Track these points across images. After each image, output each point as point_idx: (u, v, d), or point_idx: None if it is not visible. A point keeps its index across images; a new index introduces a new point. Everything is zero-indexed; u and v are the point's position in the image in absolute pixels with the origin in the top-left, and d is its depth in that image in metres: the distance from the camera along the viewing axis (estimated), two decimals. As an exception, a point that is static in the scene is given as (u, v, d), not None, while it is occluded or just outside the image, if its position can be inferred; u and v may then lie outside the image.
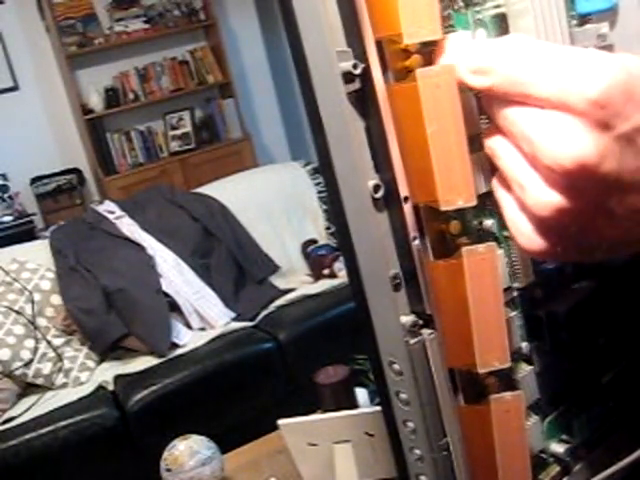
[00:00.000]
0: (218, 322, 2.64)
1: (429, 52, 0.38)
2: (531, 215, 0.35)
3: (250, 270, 2.89)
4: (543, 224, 0.34)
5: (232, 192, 3.14)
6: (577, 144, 0.32)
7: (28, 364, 2.37)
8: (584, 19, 0.45)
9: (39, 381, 2.40)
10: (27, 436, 2.15)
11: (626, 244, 0.35)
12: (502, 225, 0.47)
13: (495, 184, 0.38)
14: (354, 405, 1.15)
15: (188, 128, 4.69)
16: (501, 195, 0.38)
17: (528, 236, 0.36)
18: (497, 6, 0.42)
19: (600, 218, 0.33)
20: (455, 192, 0.37)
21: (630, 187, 0.32)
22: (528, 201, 0.34)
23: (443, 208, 0.37)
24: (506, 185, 0.37)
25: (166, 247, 2.80)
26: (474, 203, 0.37)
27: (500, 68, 0.34)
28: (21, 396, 2.40)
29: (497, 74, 0.34)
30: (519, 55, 0.33)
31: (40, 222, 4.31)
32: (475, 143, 0.39)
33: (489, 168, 0.42)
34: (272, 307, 2.71)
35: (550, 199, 0.33)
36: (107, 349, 2.54)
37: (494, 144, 0.36)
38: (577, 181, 0.32)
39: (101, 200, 3.95)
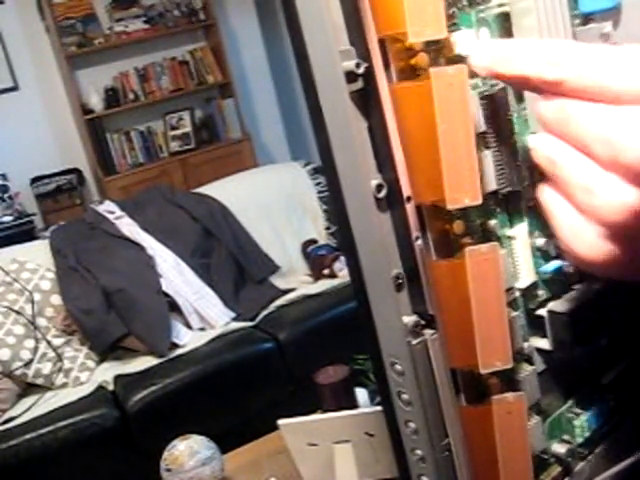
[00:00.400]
0: (218, 322, 2.64)
1: (433, 50, 0.38)
2: (598, 220, 0.32)
3: (250, 270, 2.89)
4: (612, 229, 0.32)
5: (232, 192, 3.14)
6: None
7: (28, 364, 2.37)
8: (587, 18, 0.45)
9: (39, 381, 2.40)
10: (27, 436, 2.15)
11: None
12: (504, 225, 0.47)
13: (547, 194, 0.36)
14: (354, 405, 1.15)
15: (188, 128, 4.69)
16: (556, 205, 0.36)
17: (590, 244, 0.33)
18: (501, 5, 0.42)
19: None
20: (462, 191, 0.36)
21: None
22: (597, 203, 0.32)
23: (450, 207, 0.37)
24: (565, 193, 0.34)
25: (166, 247, 2.80)
26: (480, 202, 0.37)
27: (576, 60, 0.32)
28: (21, 396, 2.40)
29: (572, 66, 0.32)
30: (594, 49, 0.32)
31: (40, 222, 4.31)
32: (478, 143, 0.39)
33: (492, 168, 0.42)
34: (272, 307, 2.71)
35: (626, 199, 0.31)
36: (107, 349, 2.54)
37: (552, 151, 0.34)
38: None
39: (101, 200, 3.94)
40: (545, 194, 0.36)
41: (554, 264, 0.54)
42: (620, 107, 0.31)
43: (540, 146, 0.35)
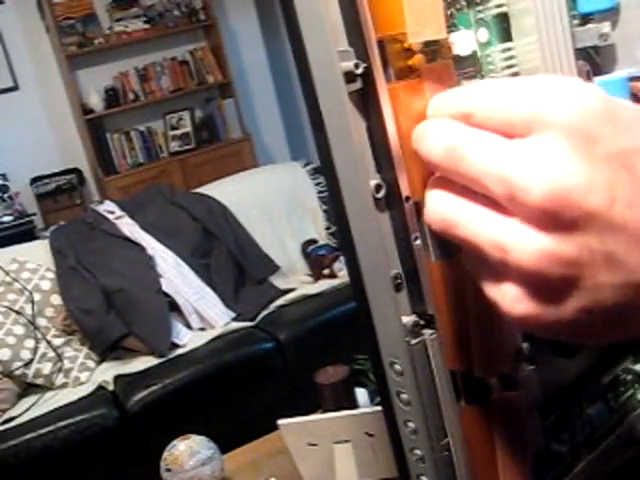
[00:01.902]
0: (218, 322, 2.64)
1: (432, 51, 0.38)
2: (518, 275, 0.30)
3: (250, 270, 2.89)
4: (534, 281, 0.29)
5: (232, 192, 3.14)
6: (555, 169, 0.28)
7: (28, 364, 2.37)
8: (586, 19, 0.45)
9: (39, 381, 2.40)
10: (27, 436, 2.15)
11: None
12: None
13: (464, 259, 0.34)
14: (354, 405, 1.15)
15: (188, 128, 4.69)
16: (473, 270, 0.34)
17: (518, 300, 0.30)
18: (499, 5, 0.42)
19: (605, 271, 0.28)
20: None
21: (628, 231, 0.27)
22: (513, 256, 0.29)
23: None
24: (477, 257, 0.32)
25: (166, 247, 2.80)
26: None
27: (483, 92, 0.31)
28: (21, 396, 2.40)
29: (480, 98, 0.31)
30: (501, 82, 0.32)
31: (40, 222, 4.31)
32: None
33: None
34: (272, 307, 2.71)
35: (538, 244, 0.29)
36: (107, 349, 2.54)
37: (452, 211, 0.32)
38: (563, 216, 0.28)
39: (101, 200, 3.94)
40: (463, 259, 0.35)
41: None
42: (515, 142, 0.30)
43: (433, 207, 0.34)
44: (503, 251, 0.30)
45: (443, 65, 0.38)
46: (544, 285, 0.29)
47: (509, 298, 0.31)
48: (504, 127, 0.30)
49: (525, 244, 0.29)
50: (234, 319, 2.68)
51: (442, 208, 0.33)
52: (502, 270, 0.31)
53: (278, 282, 2.91)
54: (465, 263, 0.35)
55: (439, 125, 0.32)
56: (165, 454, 1.21)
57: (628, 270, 0.28)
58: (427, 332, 0.44)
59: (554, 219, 0.28)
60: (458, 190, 0.32)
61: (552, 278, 0.29)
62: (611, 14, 0.44)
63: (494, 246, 0.30)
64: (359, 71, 0.38)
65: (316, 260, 2.95)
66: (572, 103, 0.29)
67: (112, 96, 4.54)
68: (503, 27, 0.42)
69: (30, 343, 2.43)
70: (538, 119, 0.29)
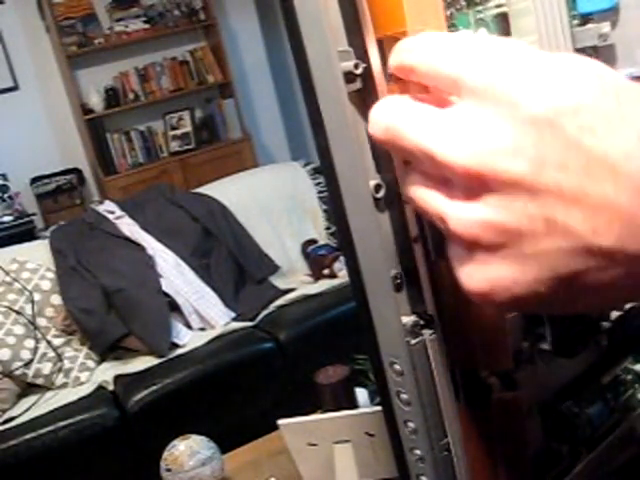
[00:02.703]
0: (218, 322, 2.64)
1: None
2: (463, 247, 0.30)
3: (250, 270, 2.89)
4: (476, 252, 0.29)
5: (232, 192, 3.14)
6: (476, 136, 0.28)
7: (28, 364, 2.37)
8: (585, 19, 0.45)
9: (39, 381, 2.40)
10: (27, 436, 2.15)
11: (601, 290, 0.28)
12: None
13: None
14: (354, 405, 1.15)
15: (188, 128, 4.69)
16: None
17: (470, 275, 0.30)
18: (499, 5, 0.42)
19: (548, 237, 0.27)
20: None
21: (564, 194, 0.26)
22: (451, 227, 0.29)
23: None
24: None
25: (166, 247, 2.80)
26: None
27: (425, 47, 0.31)
28: (21, 396, 2.40)
29: (421, 52, 0.31)
30: (446, 37, 0.31)
31: (40, 222, 4.31)
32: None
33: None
34: (272, 307, 2.71)
35: (472, 213, 0.28)
36: (107, 349, 2.54)
37: (410, 188, 0.33)
38: (490, 183, 0.27)
39: (101, 200, 3.94)
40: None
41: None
42: (441, 112, 0.29)
43: (406, 189, 0.34)
44: (444, 222, 0.30)
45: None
46: (488, 256, 0.29)
47: (465, 275, 0.30)
48: (438, 87, 0.30)
49: (460, 214, 0.29)
50: (234, 319, 2.68)
51: (408, 189, 0.33)
52: (454, 246, 0.31)
53: (278, 282, 2.91)
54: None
55: (381, 105, 0.32)
56: (165, 454, 1.21)
57: (572, 235, 0.27)
58: (427, 332, 0.44)
59: (482, 187, 0.28)
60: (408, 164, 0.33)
61: (492, 247, 0.28)
62: (611, 14, 0.44)
63: (437, 218, 0.30)
64: (359, 71, 0.38)
65: (316, 260, 2.95)
66: (493, 66, 0.28)
67: (112, 96, 4.54)
68: (503, 27, 0.42)
69: (30, 343, 2.43)
70: (462, 83, 0.29)
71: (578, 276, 0.27)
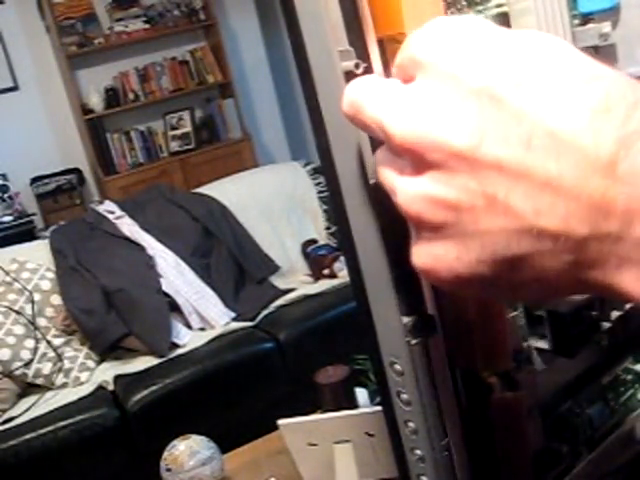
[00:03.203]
0: (218, 322, 2.64)
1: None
2: (411, 222, 0.30)
3: (250, 270, 2.89)
4: (419, 227, 0.29)
5: (232, 192, 3.14)
6: (416, 110, 0.28)
7: (28, 364, 2.37)
8: (586, 18, 0.45)
9: (39, 381, 2.40)
10: (27, 436, 2.15)
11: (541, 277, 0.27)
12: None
13: None
14: (354, 405, 1.15)
15: (188, 128, 4.69)
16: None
17: (417, 252, 0.30)
18: (499, 5, 0.42)
19: (489, 215, 0.26)
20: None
21: (504, 169, 0.25)
22: (398, 200, 0.29)
23: None
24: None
25: (166, 247, 2.80)
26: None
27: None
28: (21, 396, 2.40)
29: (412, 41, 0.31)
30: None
31: (40, 222, 4.31)
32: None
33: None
34: (272, 307, 2.71)
35: (415, 187, 0.28)
36: (107, 349, 2.54)
37: (377, 167, 0.32)
38: (429, 156, 0.27)
39: (101, 200, 3.94)
40: None
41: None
42: (397, 90, 0.30)
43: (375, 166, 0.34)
44: (394, 194, 0.30)
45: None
46: (431, 232, 0.28)
47: (413, 251, 0.30)
48: (404, 68, 0.31)
49: (405, 188, 0.29)
50: (234, 319, 2.68)
51: (376, 161, 0.33)
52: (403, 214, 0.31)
53: (278, 282, 2.91)
54: None
55: (353, 83, 0.33)
56: (165, 454, 1.21)
57: (513, 214, 0.25)
58: (427, 332, 0.44)
59: (425, 161, 0.27)
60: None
61: (434, 223, 0.28)
62: (611, 14, 0.44)
63: (391, 192, 0.30)
64: (359, 71, 0.38)
65: (316, 260, 2.95)
66: (443, 43, 0.28)
67: (112, 96, 4.54)
68: (503, 27, 0.42)
69: (30, 343, 2.43)
70: (416, 60, 0.29)
71: (522, 260, 0.26)
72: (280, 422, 1.03)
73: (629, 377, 0.59)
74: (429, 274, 0.29)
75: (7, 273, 2.58)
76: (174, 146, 4.69)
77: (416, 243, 0.30)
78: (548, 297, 0.28)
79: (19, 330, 2.44)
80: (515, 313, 0.50)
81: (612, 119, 0.24)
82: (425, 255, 0.29)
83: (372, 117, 0.30)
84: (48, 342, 2.47)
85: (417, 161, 0.28)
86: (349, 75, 0.38)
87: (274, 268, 2.95)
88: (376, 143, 0.39)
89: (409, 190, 0.28)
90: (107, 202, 3.12)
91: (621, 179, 0.24)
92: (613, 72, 0.26)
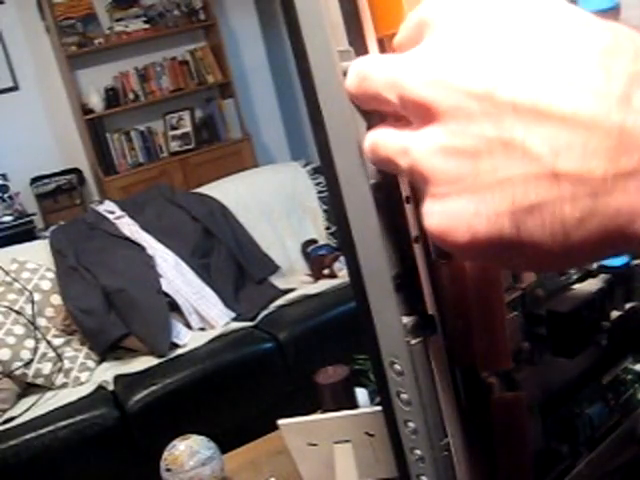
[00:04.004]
0: (218, 322, 2.64)
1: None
2: (424, 180, 0.29)
3: (250, 270, 2.89)
4: (438, 182, 0.28)
5: (232, 192, 3.14)
6: (430, 61, 0.28)
7: (28, 364, 2.37)
8: (586, 19, 0.45)
9: (39, 381, 2.40)
10: (27, 436, 2.15)
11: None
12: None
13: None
14: (354, 405, 1.15)
15: (188, 128, 4.69)
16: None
17: (431, 213, 0.29)
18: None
19: (507, 160, 0.26)
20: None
21: (520, 110, 0.25)
22: (412, 156, 0.29)
23: None
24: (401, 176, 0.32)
25: (166, 247, 2.80)
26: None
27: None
28: (21, 396, 2.40)
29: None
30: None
31: (40, 222, 4.31)
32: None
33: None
34: (272, 307, 2.71)
35: (431, 139, 0.28)
36: (107, 349, 2.54)
37: (374, 137, 0.32)
38: (444, 103, 0.27)
39: (101, 200, 3.94)
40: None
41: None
42: (405, 54, 0.30)
43: (365, 143, 0.33)
44: (406, 154, 0.29)
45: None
46: (447, 186, 0.27)
47: (426, 214, 0.29)
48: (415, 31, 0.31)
49: (418, 142, 0.28)
50: (234, 319, 2.68)
51: (369, 139, 0.33)
52: (415, 183, 0.30)
53: (278, 282, 2.91)
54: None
55: (357, 59, 0.33)
56: (165, 454, 1.21)
57: (531, 157, 0.25)
58: (427, 332, 0.44)
59: (438, 110, 0.27)
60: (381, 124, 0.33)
61: (451, 176, 0.27)
62: (611, 14, 0.44)
63: (401, 152, 0.30)
64: (359, 71, 0.38)
65: (316, 260, 2.95)
66: (442, 2, 0.29)
67: (112, 96, 4.54)
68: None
69: (30, 343, 2.43)
70: (420, 24, 0.30)
71: (541, 208, 0.25)
72: (280, 422, 1.03)
73: (629, 377, 0.59)
74: (445, 236, 0.28)
75: (7, 273, 2.58)
76: (174, 146, 4.69)
77: (429, 203, 0.29)
78: (571, 259, 0.26)
79: (19, 330, 2.44)
80: (515, 313, 0.50)
81: (622, 58, 0.24)
82: (440, 214, 0.28)
83: (382, 77, 0.30)
84: (48, 342, 2.47)
85: (432, 112, 0.27)
86: (349, 75, 0.38)
87: (274, 268, 2.95)
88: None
89: (424, 144, 0.28)
90: (107, 202, 3.12)
91: (636, 111, 0.24)
92: (618, 24, 0.26)
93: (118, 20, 4.51)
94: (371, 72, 0.31)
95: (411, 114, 0.29)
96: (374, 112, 0.33)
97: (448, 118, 0.27)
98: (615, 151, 0.24)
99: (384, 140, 0.31)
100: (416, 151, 0.28)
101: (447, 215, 0.28)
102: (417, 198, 0.41)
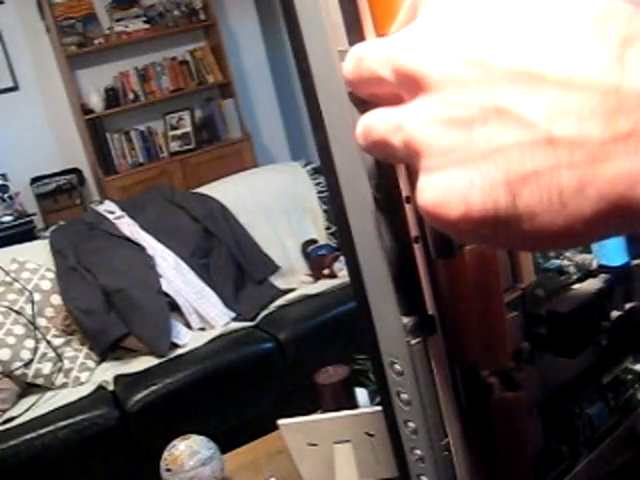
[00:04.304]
0: (218, 322, 2.64)
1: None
2: (417, 155, 0.28)
3: (250, 270, 2.89)
4: (433, 154, 0.27)
5: (232, 192, 3.14)
6: (425, 35, 0.28)
7: (28, 364, 2.37)
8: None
9: (39, 381, 2.40)
10: (27, 436, 2.15)
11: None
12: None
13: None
14: (354, 405, 1.15)
15: (188, 128, 4.69)
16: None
17: (424, 189, 0.28)
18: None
19: (502, 128, 0.25)
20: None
21: (513, 75, 0.25)
22: (407, 130, 0.28)
23: None
24: (397, 157, 0.30)
25: (166, 247, 2.80)
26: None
27: None
28: (21, 396, 2.40)
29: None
30: None
31: (40, 222, 4.31)
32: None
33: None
34: (272, 307, 2.71)
35: (425, 112, 0.27)
36: (107, 349, 2.54)
37: (367, 121, 0.31)
38: (437, 73, 0.27)
39: (101, 200, 3.94)
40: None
41: (554, 263, 0.55)
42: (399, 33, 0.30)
43: (357, 128, 0.32)
44: (400, 129, 0.28)
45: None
46: (441, 157, 0.27)
47: (420, 189, 0.28)
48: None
49: (413, 114, 0.28)
50: (234, 319, 2.68)
51: (361, 123, 0.32)
52: (410, 161, 0.29)
53: (278, 282, 2.91)
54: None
55: (354, 46, 0.33)
56: (165, 454, 1.21)
57: (527, 124, 0.25)
58: (427, 332, 0.44)
59: (432, 81, 0.27)
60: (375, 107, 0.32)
61: (446, 146, 0.27)
62: None
63: (394, 128, 0.29)
64: (359, 71, 0.38)
65: (316, 260, 2.95)
66: None
67: (112, 96, 4.54)
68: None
69: (30, 343, 2.43)
70: (417, 3, 0.30)
71: (538, 176, 0.25)
72: (280, 422, 1.03)
73: (629, 377, 0.59)
74: (439, 210, 0.27)
75: (7, 273, 2.58)
76: (174, 146, 4.69)
77: (423, 178, 0.28)
78: (569, 233, 0.25)
79: (19, 330, 2.44)
80: (515, 313, 0.50)
81: (615, 23, 0.24)
82: (434, 188, 0.27)
83: (377, 55, 0.30)
84: (48, 342, 2.47)
85: (425, 83, 0.27)
86: (349, 75, 0.38)
87: (274, 268, 2.95)
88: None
89: (417, 116, 0.28)
90: (107, 202, 3.12)
91: (631, 71, 0.23)
92: None
93: (118, 20, 4.51)
94: (367, 53, 0.31)
95: (404, 88, 0.29)
96: (370, 102, 0.33)
97: (441, 87, 0.27)
98: (612, 113, 0.23)
99: (376, 120, 0.31)
100: (409, 124, 0.28)
101: (441, 188, 0.27)
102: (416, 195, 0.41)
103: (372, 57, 0.30)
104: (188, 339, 2.54)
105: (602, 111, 0.24)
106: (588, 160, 0.24)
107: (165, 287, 2.63)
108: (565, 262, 0.56)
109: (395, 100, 0.30)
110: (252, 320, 2.66)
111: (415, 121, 0.28)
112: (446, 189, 0.27)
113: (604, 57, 0.24)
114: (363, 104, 0.34)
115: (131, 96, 4.59)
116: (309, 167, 3.32)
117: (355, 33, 0.39)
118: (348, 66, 0.32)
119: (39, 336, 2.46)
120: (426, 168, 0.28)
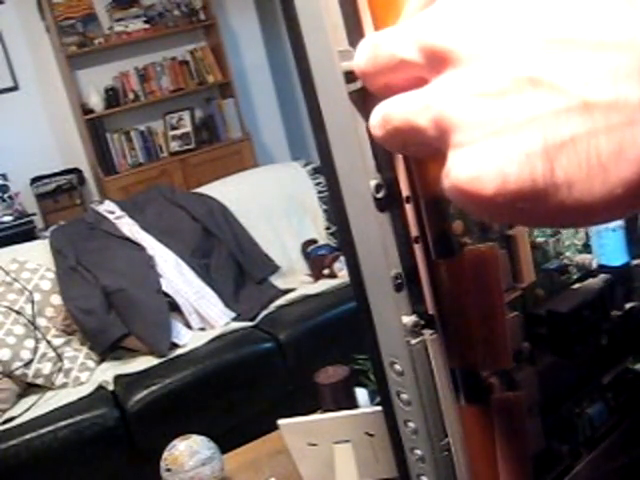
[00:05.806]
0: (218, 322, 2.64)
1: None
2: (448, 132, 0.27)
3: (250, 270, 2.89)
4: (464, 133, 0.27)
5: (232, 192, 3.14)
6: (445, 15, 0.28)
7: (28, 364, 2.37)
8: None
9: (39, 381, 2.40)
10: (27, 436, 2.15)
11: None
12: (504, 224, 0.47)
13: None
14: (354, 405, 1.15)
15: (188, 128, 4.69)
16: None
17: (459, 165, 0.27)
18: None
19: (531, 100, 0.25)
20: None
21: (545, 44, 0.25)
22: (436, 108, 0.28)
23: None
24: (421, 143, 0.30)
25: (166, 247, 2.80)
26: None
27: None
28: (21, 396, 2.40)
29: None
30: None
31: (40, 222, 4.31)
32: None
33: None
34: (272, 307, 2.71)
35: (456, 91, 0.27)
36: (107, 349, 2.54)
37: (385, 109, 0.31)
38: (462, 51, 0.27)
39: (101, 200, 3.94)
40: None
41: (554, 263, 0.55)
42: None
43: (372, 118, 0.32)
44: (428, 108, 0.28)
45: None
46: (475, 131, 0.26)
47: (452, 166, 0.27)
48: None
49: (443, 90, 0.27)
50: (234, 319, 2.68)
51: (378, 112, 0.31)
52: (439, 141, 0.28)
53: (278, 282, 2.91)
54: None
55: (367, 36, 0.33)
56: (165, 454, 1.21)
57: (561, 91, 0.24)
58: (427, 332, 0.44)
59: (463, 52, 0.27)
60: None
61: (480, 119, 0.26)
62: None
63: (420, 109, 0.29)
64: (359, 71, 0.38)
65: (316, 260, 2.95)
66: None
67: (112, 96, 4.54)
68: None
69: (30, 343, 2.43)
70: None
71: (576, 143, 0.24)
72: (280, 422, 1.03)
73: (629, 377, 0.59)
74: (474, 185, 0.27)
75: (7, 273, 2.58)
76: (174, 146, 4.69)
77: (456, 154, 0.27)
78: (610, 202, 0.25)
79: (19, 330, 2.44)
80: (515, 313, 0.50)
81: None
82: (468, 163, 0.27)
83: (397, 37, 0.30)
84: (48, 342, 2.47)
85: (455, 57, 0.27)
86: (349, 75, 0.38)
87: (274, 268, 2.95)
88: (378, 150, 0.39)
89: (448, 91, 0.27)
90: (107, 202, 3.12)
91: None
92: None
93: (118, 20, 4.51)
94: (384, 39, 0.30)
95: (431, 65, 0.28)
96: (381, 95, 0.32)
97: (471, 61, 0.26)
98: None
99: (396, 106, 0.30)
100: (439, 101, 0.28)
101: (475, 162, 0.26)
102: (417, 197, 0.41)
103: (392, 41, 0.30)
104: (188, 339, 2.54)
105: (637, 72, 0.23)
106: (626, 122, 0.23)
107: (165, 287, 2.63)
108: (565, 262, 0.56)
109: (411, 87, 0.30)
110: (252, 320, 2.66)
111: (445, 97, 0.27)
112: (481, 163, 0.26)
113: (635, 19, 0.23)
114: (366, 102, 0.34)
115: (131, 96, 4.59)
116: (309, 167, 3.32)
117: (355, 33, 0.38)
118: (362, 55, 0.32)
119: (39, 336, 2.46)
120: (458, 144, 0.27)
